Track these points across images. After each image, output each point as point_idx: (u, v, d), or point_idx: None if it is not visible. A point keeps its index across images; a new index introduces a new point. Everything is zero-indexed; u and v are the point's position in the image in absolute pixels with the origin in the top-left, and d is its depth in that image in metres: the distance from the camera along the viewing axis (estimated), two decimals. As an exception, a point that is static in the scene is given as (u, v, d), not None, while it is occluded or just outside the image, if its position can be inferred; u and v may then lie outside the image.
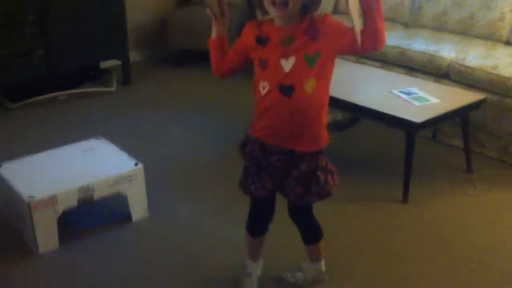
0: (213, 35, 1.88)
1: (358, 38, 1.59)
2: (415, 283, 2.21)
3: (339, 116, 3.60)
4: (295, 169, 1.85)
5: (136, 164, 2.62)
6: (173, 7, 5.08)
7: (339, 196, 2.76)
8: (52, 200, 2.37)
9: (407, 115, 2.68)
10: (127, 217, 2.62)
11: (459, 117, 2.94)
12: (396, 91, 2.95)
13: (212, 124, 3.69)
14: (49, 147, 2.80)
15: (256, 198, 1.98)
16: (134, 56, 4.72)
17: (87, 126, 3.59)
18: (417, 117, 2.66)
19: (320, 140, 1.85)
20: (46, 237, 2.40)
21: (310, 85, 1.74)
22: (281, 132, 1.80)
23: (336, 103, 3.05)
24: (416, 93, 2.92)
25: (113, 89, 4.27)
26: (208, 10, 1.81)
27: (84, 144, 2.83)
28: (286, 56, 1.73)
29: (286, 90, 1.74)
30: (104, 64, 4.56)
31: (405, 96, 2.89)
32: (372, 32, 1.64)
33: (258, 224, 2.07)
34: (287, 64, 1.73)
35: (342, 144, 3.41)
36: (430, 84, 3.12)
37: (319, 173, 1.85)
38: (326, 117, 1.85)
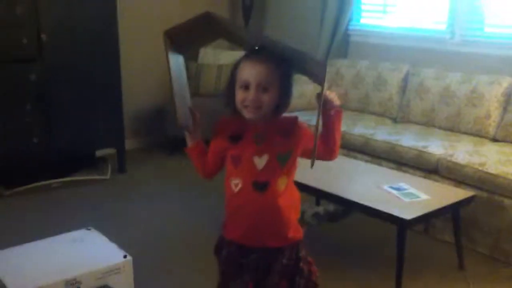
0: (189, 143, 1.89)
1: (315, 149, 1.64)
2: None
3: (331, 207, 3.62)
4: (276, 264, 1.82)
5: (125, 256, 2.59)
6: (171, 95, 5.22)
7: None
8: (37, 293, 2.33)
9: (398, 212, 2.70)
10: (113, 310, 2.56)
11: (450, 213, 2.96)
12: (386, 186, 2.99)
13: (208, 212, 3.69)
14: (40, 236, 2.78)
15: None
16: (130, 143, 4.80)
17: (78, 215, 3.58)
18: (408, 214, 2.68)
19: (296, 233, 1.85)
20: (29, 332, 2.33)
21: (282, 182, 1.77)
22: (256, 230, 1.79)
23: (328, 197, 3.09)
24: (406, 189, 2.96)
25: (107, 177, 4.31)
26: (180, 125, 1.84)
27: (74, 235, 2.81)
28: (259, 154, 1.75)
29: (260, 187, 1.75)
30: (99, 152, 4.62)
31: (395, 192, 2.92)
32: (327, 143, 1.75)
33: None
34: (260, 162, 1.75)
35: (334, 235, 3.41)
36: (420, 180, 3.17)
37: (301, 264, 1.84)
38: (299, 211, 1.88)
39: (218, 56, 5.07)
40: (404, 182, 3.05)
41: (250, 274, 1.84)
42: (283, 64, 1.73)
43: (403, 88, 4.20)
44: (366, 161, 3.59)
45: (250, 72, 1.70)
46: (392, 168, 3.46)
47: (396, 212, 2.70)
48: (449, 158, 3.31)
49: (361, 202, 2.84)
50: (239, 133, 1.78)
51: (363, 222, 3.52)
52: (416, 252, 3.09)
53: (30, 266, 2.51)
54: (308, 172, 3.37)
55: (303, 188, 3.12)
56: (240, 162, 1.77)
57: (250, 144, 1.76)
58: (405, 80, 4.21)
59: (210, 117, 5.15)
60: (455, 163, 3.25)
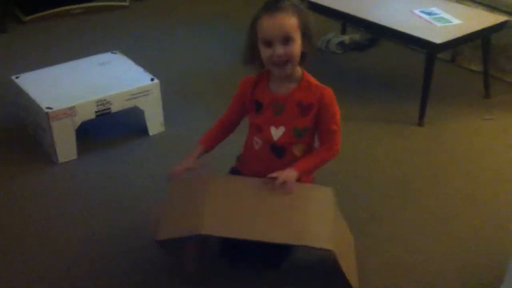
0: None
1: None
2: (428, 202, 2.25)
3: (358, 36, 3.54)
4: None
5: (152, 79, 2.62)
6: None
7: (356, 115, 2.80)
8: (70, 111, 2.40)
9: (428, 36, 2.63)
10: (144, 130, 2.66)
11: (480, 39, 2.88)
12: (417, 11, 2.88)
13: (229, 36, 3.65)
14: (64, 60, 2.80)
15: None
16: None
17: (101, 40, 3.56)
18: (438, 38, 2.61)
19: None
20: (65, 147, 2.45)
21: (299, 149, 1.80)
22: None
23: (356, 22, 3.01)
24: (438, 14, 2.85)
25: (127, 3, 4.19)
26: None
27: (100, 58, 2.82)
28: (276, 125, 1.77)
29: (277, 151, 1.79)
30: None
31: (426, 16, 2.82)
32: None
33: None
34: (277, 133, 1.77)
35: (361, 65, 3.38)
36: (453, 5, 3.04)
37: None
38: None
39: None
40: (436, 7, 2.93)
41: None
42: (300, 9, 1.69)
43: None
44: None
45: (271, 27, 1.65)
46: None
47: (426, 36, 2.63)
48: (485, -18, 3.13)
49: (391, 26, 2.75)
50: (261, 99, 1.78)
51: (389, 51, 3.48)
52: (443, 81, 3.07)
53: (60, 87, 2.56)
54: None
55: (330, 13, 3.05)
56: (260, 129, 1.81)
57: (269, 113, 1.78)
58: None
59: None
60: (492, -12, 3.09)
